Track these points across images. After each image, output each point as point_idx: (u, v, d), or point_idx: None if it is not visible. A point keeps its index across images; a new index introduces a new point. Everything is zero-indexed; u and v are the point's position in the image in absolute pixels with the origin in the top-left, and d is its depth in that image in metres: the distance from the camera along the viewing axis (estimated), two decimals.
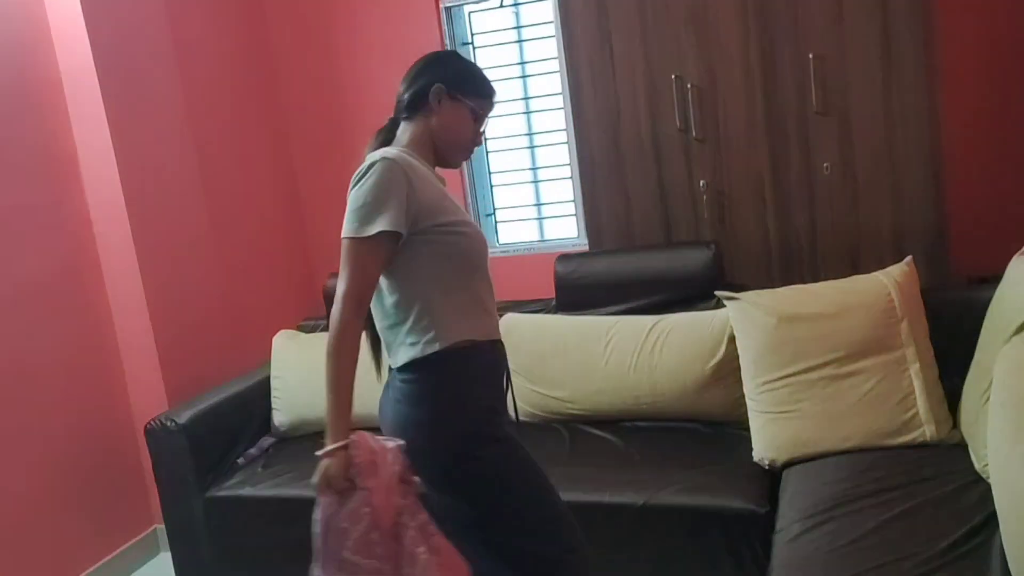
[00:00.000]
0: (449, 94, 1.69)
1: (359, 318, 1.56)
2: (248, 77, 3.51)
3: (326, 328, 2.71)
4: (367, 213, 1.54)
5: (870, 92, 2.56)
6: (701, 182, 2.77)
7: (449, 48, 3.41)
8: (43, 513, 2.66)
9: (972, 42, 2.85)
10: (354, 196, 1.57)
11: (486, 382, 1.70)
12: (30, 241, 2.66)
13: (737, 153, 2.72)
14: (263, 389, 2.94)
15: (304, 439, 2.85)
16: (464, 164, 3.44)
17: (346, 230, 1.57)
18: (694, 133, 2.74)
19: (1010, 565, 1.47)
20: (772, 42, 2.62)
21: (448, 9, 3.40)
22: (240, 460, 2.74)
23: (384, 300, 1.66)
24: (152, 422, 2.62)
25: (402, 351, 1.64)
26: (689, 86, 2.71)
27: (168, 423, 2.59)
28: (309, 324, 3.23)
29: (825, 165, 2.65)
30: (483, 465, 1.62)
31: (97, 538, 2.85)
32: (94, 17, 2.73)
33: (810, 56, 2.58)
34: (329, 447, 1.50)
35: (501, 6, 3.36)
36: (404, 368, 1.64)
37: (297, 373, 2.91)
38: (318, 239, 3.76)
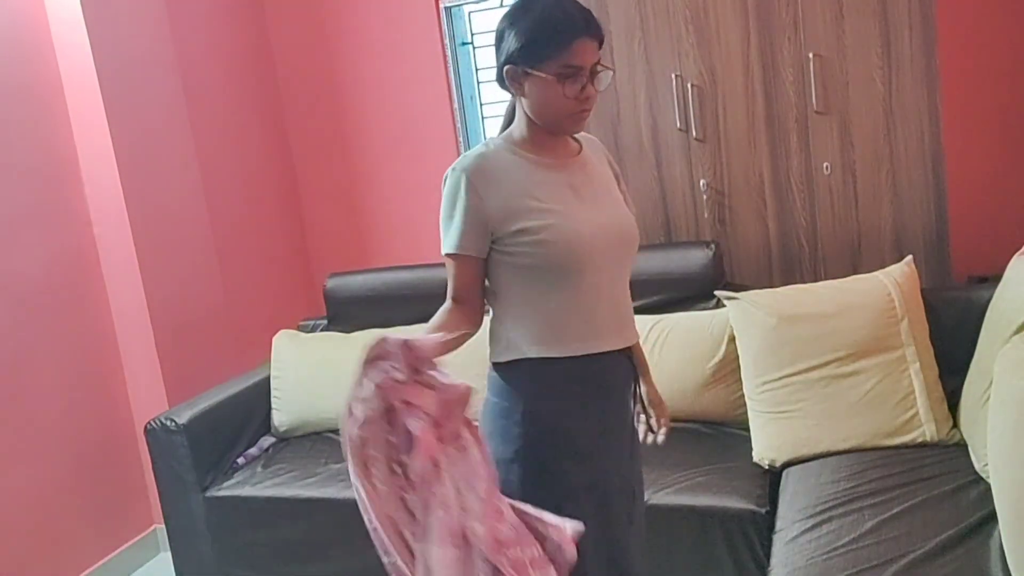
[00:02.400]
0: (522, 71, 1.44)
1: (455, 306, 1.52)
2: (248, 77, 3.51)
3: (326, 328, 2.68)
4: (442, 231, 1.49)
5: (870, 92, 2.56)
6: (701, 182, 2.77)
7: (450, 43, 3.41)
8: (43, 513, 2.66)
9: (972, 42, 2.85)
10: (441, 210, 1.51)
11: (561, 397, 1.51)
12: (30, 241, 2.66)
13: (737, 153, 2.72)
14: (263, 389, 2.94)
15: (304, 439, 2.85)
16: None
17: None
18: (694, 133, 2.74)
19: (1010, 565, 1.47)
20: (772, 42, 2.62)
21: (448, 9, 3.40)
22: (240, 460, 2.74)
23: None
24: (152, 422, 2.62)
25: (494, 345, 1.56)
26: (689, 86, 2.71)
27: (168, 423, 2.59)
28: (309, 324, 3.23)
29: (825, 165, 2.65)
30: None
31: (97, 538, 2.85)
32: (94, 17, 2.73)
33: (810, 56, 2.58)
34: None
35: (501, 6, 3.36)
36: (492, 366, 1.56)
37: (297, 373, 2.91)
38: (318, 239, 3.76)
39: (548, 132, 1.51)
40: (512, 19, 1.46)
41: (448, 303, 1.53)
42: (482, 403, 1.58)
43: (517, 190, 1.46)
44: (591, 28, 1.44)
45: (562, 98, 1.44)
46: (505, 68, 1.46)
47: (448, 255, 1.50)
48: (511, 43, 1.44)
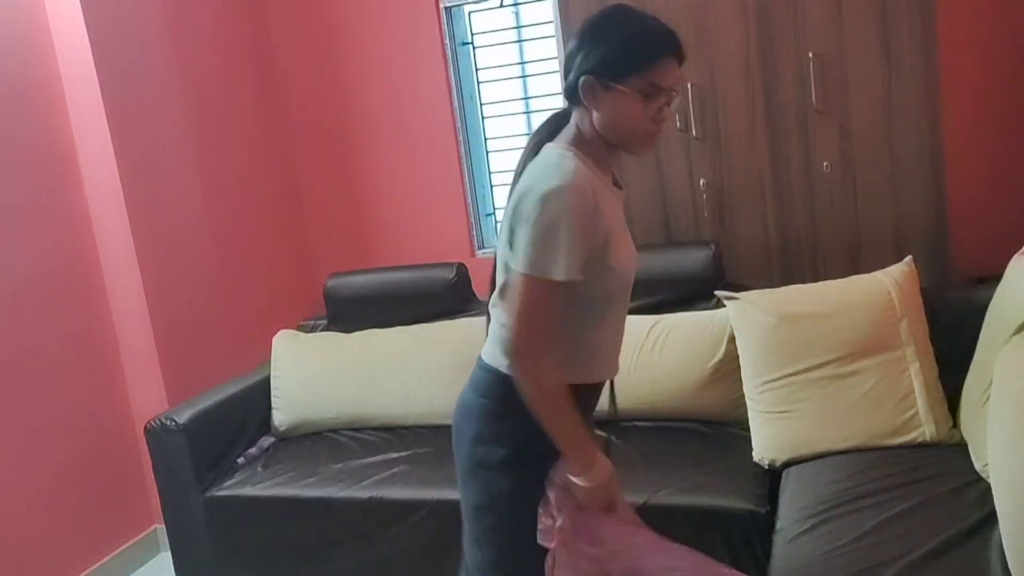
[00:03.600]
0: (603, 85, 1.39)
1: (543, 353, 1.39)
2: (248, 76, 3.51)
3: (326, 328, 2.67)
4: (548, 250, 1.33)
5: (870, 92, 2.56)
6: (701, 182, 2.77)
7: (451, 43, 3.41)
8: (43, 512, 2.66)
9: (972, 42, 2.85)
10: (533, 224, 1.34)
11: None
12: (30, 240, 2.66)
13: (737, 152, 2.72)
14: (263, 389, 2.94)
15: (304, 439, 2.85)
16: (463, 164, 3.46)
17: (523, 264, 1.35)
18: (694, 132, 2.74)
19: (1010, 565, 1.47)
20: (772, 41, 2.62)
21: (448, 9, 3.40)
22: (240, 460, 2.74)
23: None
24: (152, 422, 2.62)
25: (497, 349, 1.49)
26: (689, 86, 2.71)
27: (168, 423, 2.59)
28: (309, 324, 3.23)
29: (825, 164, 2.64)
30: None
31: (97, 538, 2.85)
32: (94, 17, 2.73)
33: (810, 55, 2.58)
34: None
35: (501, 6, 3.36)
36: (487, 369, 1.52)
37: (297, 373, 2.91)
38: (318, 239, 3.76)
39: (611, 150, 1.47)
40: (597, 30, 1.42)
41: (537, 360, 1.38)
42: (462, 399, 1.55)
43: (608, 214, 1.40)
44: (678, 48, 1.41)
45: (642, 117, 1.40)
46: (583, 79, 1.40)
47: (556, 282, 1.34)
48: (595, 54, 1.39)
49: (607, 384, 1.62)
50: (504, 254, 1.44)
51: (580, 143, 1.45)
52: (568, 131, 1.47)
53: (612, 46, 1.38)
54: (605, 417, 1.71)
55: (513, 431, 1.47)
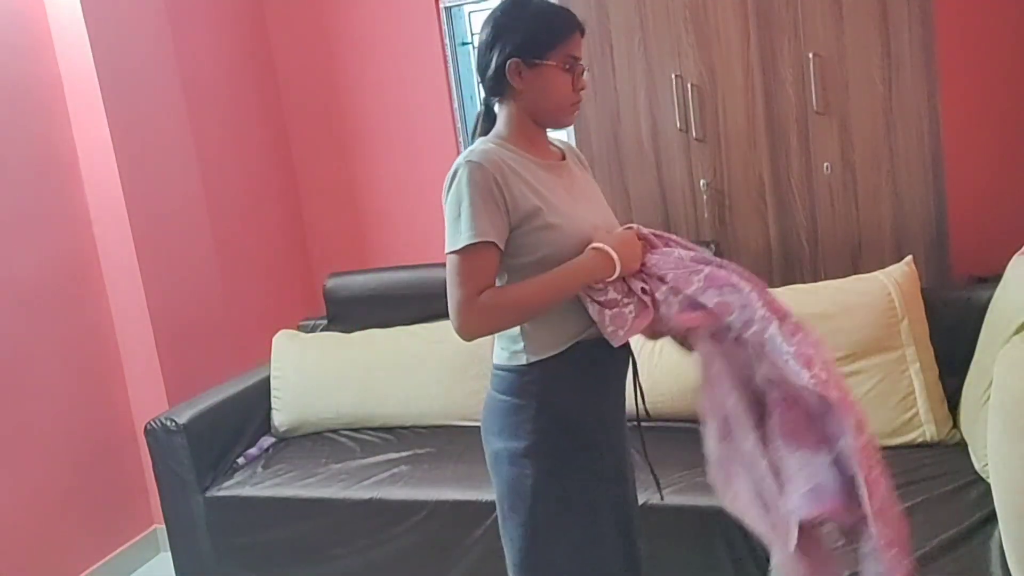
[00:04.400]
0: (528, 64, 1.47)
1: (481, 302, 1.42)
2: (248, 76, 3.51)
3: (326, 328, 2.69)
4: (458, 224, 1.41)
5: (870, 92, 2.56)
6: (701, 182, 2.77)
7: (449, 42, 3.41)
8: (43, 513, 2.66)
9: (972, 42, 2.85)
10: (446, 208, 1.45)
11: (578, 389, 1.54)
12: (30, 241, 2.66)
13: (737, 153, 2.72)
14: (263, 389, 2.94)
15: (304, 439, 2.85)
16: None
17: (447, 245, 1.44)
18: (694, 133, 2.74)
19: (1010, 565, 1.47)
20: (772, 42, 2.62)
21: (448, 9, 3.40)
22: (240, 460, 2.74)
23: None
24: (152, 422, 2.62)
25: (498, 345, 1.55)
26: (689, 86, 2.71)
27: (168, 423, 2.59)
28: (309, 324, 3.23)
29: (825, 165, 2.65)
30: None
31: (97, 538, 2.85)
32: (94, 17, 2.73)
33: (810, 56, 2.58)
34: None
35: None
36: (496, 367, 1.55)
37: (297, 373, 2.91)
38: (318, 239, 3.76)
39: (540, 129, 1.55)
40: (508, 19, 1.50)
41: (478, 310, 1.41)
42: (486, 398, 1.59)
43: (527, 180, 1.46)
44: (580, 24, 1.53)
45: (567, 87, 1.49)
46: (509, 63, 1.47)
47: (468, 246, 1.39)
48: (512, 38, 1.47)
49: (634, 387, 1.66)
50: None
51: (508, 136, 1.52)
52: (496, 128, 1.54)
53: (528, 28, 1.47)
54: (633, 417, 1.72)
55: (531, 422, 1.49)
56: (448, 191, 1.44)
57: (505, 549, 1.58)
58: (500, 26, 1.49)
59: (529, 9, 1.50)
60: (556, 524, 1.51)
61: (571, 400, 1.51)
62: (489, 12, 1.54)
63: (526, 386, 1.49)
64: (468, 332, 1.42)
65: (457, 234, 1.41)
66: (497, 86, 1.51)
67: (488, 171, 1.41)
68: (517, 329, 1.49)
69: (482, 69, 1.52)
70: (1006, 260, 1.99)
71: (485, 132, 1.56)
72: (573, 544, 1.51)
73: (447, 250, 1.43)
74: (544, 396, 1.49)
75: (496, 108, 1.56)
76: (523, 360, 1.49)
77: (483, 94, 1.58)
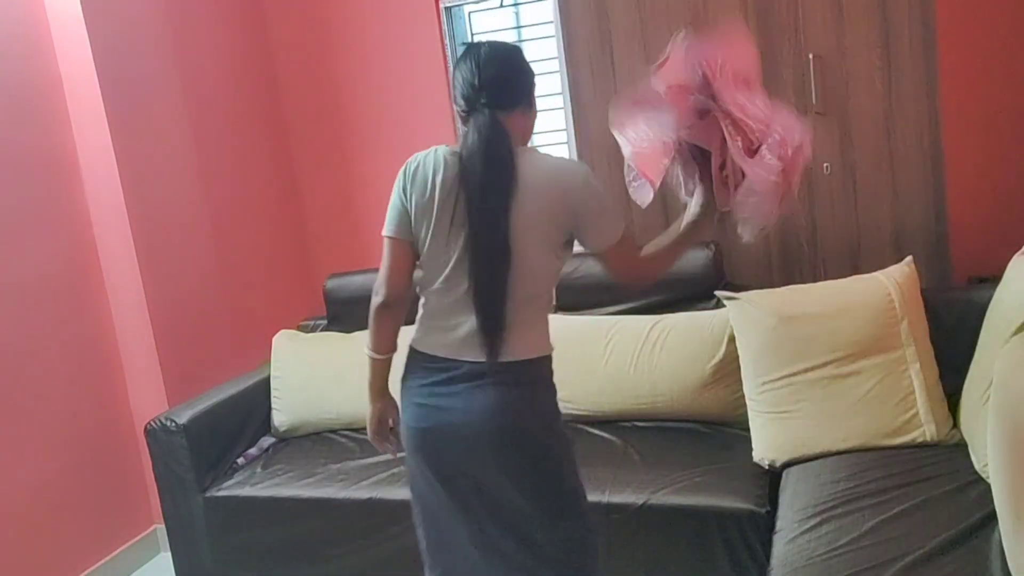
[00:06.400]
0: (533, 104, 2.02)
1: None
2: (248, 76, 3.51)
3: (326, 328, 2.82)
4: (615, 212, 1.79)
5: (870, 92, 2.56)
6: None
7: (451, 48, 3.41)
8: (43, 513, 2.66)
9: (972, 42, 2.84)
10: (598, 200, 1.77)
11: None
12: (30, 241, 2.66)
13: None
14: (263, 389, 2.94)
15: (304, 439, 2.85)
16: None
17: (616, 229, 1.78)
18: None
19: (1010, 565, 1.47)
20: (772, 42, 2.62)
21: (448, 9, 3.40)
22: (240, 460, 2.74)
23: None
24: (152, 422, 2.62)
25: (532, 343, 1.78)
26: None
27: (168, 423, 2.59)
28: (309, 324, 3.23)
29: (825, 165, 2.64)
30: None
31: (97, 538, 2.85)
32: (94, 17, 2.73)
33: (810, 56, 2.58)
34: None
35: (501, 6, 3.36)
36: (544, 357, 1.80)
37: (297, 373, 2.91)
38: (318, 239, 3.76)
39: None
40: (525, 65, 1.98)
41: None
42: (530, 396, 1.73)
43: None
44: None
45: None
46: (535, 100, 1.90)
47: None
48: (532, 83, 1.98)
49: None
50: None
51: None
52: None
53: (532, 79, 1.91)
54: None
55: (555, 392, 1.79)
56: (591, 186, 1.74)
57: (575, 496, 1.79)
58: (527, 69, 1.99)
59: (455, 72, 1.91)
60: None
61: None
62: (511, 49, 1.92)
63: (548, 372, 1.77)
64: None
65: (617, 224, 1.76)
66: (520, 104, 1.94)
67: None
68: (550, 318, 1.77)
69: (513, 91, 1.90)
70: (1006, 260, 1.99)
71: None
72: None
73: (620, 234, 1.77)
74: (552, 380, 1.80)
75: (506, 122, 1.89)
76: (550, 349, 1.76)
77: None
